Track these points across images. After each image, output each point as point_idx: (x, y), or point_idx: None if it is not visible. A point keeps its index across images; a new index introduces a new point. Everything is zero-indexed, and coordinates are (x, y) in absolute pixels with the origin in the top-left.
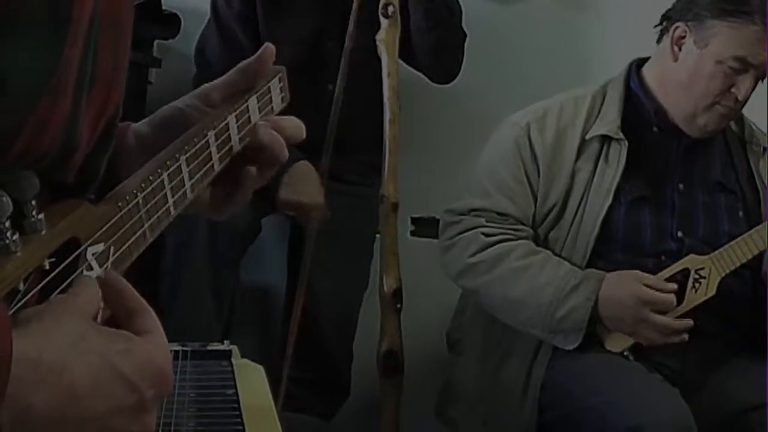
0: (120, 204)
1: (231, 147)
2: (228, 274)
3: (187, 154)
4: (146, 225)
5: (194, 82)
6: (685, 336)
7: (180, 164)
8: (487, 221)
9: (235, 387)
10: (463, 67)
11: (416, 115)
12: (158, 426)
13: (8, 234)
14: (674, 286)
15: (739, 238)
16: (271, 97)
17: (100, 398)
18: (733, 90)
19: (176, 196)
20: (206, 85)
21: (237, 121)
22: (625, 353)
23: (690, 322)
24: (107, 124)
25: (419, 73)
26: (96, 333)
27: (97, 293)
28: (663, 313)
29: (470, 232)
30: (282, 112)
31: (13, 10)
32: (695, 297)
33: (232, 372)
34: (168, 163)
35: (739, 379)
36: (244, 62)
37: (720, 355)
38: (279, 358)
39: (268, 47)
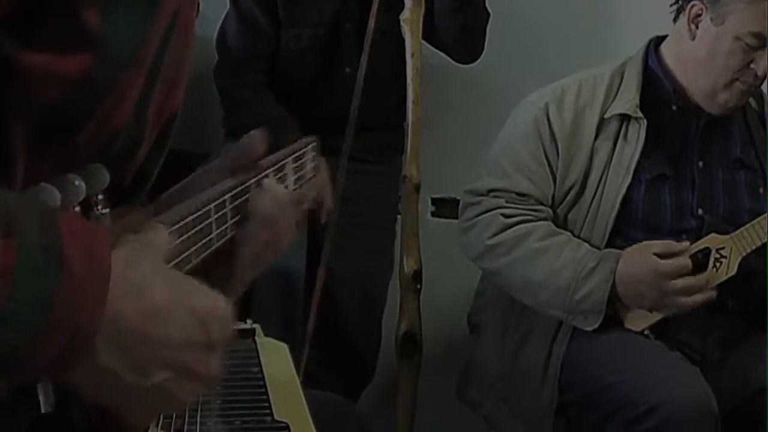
0: (172, 221)
1: None
2: None
3: (233, 192)
4: (192, 249)
5: (216, 71)
6: (713, 293)
7: (225, 200)
8: (506, 202)
9: (260, 364)
10: None
11: (436, 95)
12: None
13: None
14: (686, 244)
15: (760, 218)
16: (304, 163)
17: (175, 325)
18: (752, 66)
19: (219, 230)
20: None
21: (274, 176)
22: (645, 332)
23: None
24: (164, 126)
25: (439, 54)
26: (171, 269)
27: (168, 237)
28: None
29: (489, 213)
30: (301, 96)
31: None
32: (716, 276)
33: (256, 350)
34: (216, 197)
35: (759, 357)
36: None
37: (741, 333)
38: (302, 339)
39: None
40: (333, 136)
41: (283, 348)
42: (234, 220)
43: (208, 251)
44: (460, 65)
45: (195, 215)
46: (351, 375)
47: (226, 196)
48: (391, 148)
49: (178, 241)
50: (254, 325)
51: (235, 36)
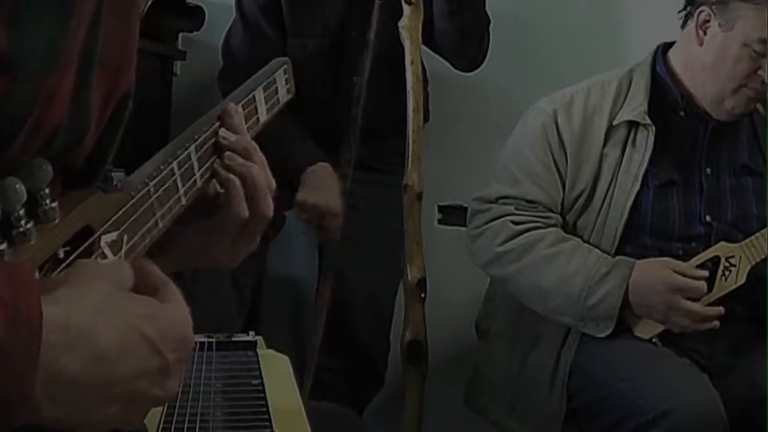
0: (131, 192)
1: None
2: (249, 265)
3: (196, 143)
4: (158, 214)
5: (220, 75)
6: (716, 323)
7: (189, 152)
8: (515, 209)
9: (261, 377)
10: (488, 54)
11: (442, 103)
12: (185, 416)
13: (23, 222)
14: (705, 273)
15: None
16: (276, 88)
17: (126, 361)
18: (759, 72)
19: (186, 185)
20: None
21: (244, 110)
22: (654, 340)
23: (721, 309)
24: (116, 108)
25: (445, 62)
26: (121, 296)
27: (123, 262)
28: (694, 299)
29: (499, 221)
30: (308, 105)
31: None
32: (725, 285)
33: (258, 363)
34: (178, 152)
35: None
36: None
37: (749, 340)
38: (312, 348)
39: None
40: (342, 145)
41: (284, 361)
42: (202, 170)
43: (178, 208)
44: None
45: (157, 178)
46: (361, 382)
47: (189, 149)
48: (401, 156)
49: (142, 210)
50: (256, 338)
51: (240, 44)
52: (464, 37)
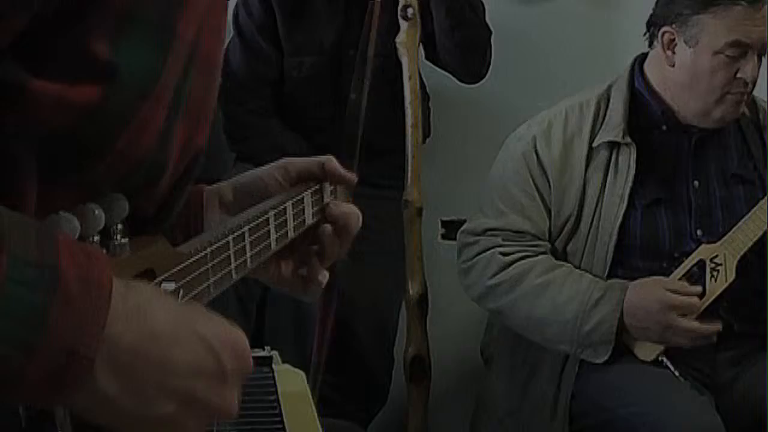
0: (192, 251)
1: (286, 232)
2: (253, 281)
3: (251, 225)
4: (211, 280)
5: (220, 96)
6: (714, 338)
7: (244, 232)
8: (503, 240)
9: (277, 393)
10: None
11: (444, 117)
12: None
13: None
14: (698, 289)
15: (745, 217)
16: (322, 197)
17: (181, 350)
18: (739, 75)
19: (238, 261)
20: (286, 159)
21: (293, 209)
22: (660, 358)
23: (719, 326)
24: (190, 161)
25: (445, 75)
26: (176, 300)
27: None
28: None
29: (488, 253)
30: (308, 123)
31: (134, 11)
32: (716, 286)
33: (273, 378)
34: (234, 229)
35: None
36: (325, 161)
37: (750, 354)
38: (316, 365)
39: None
40: (343, 162)
41: (300, 376)
42: (254, 251)
43: (229, 281)
44: (469, 86)
45: (214, 245)
46: (365, 398)
47: (244, 229)
48: (401, 170)
49: (198, 271)
50: (272, 352)
51: (239, 63)
52: (466, 51)
